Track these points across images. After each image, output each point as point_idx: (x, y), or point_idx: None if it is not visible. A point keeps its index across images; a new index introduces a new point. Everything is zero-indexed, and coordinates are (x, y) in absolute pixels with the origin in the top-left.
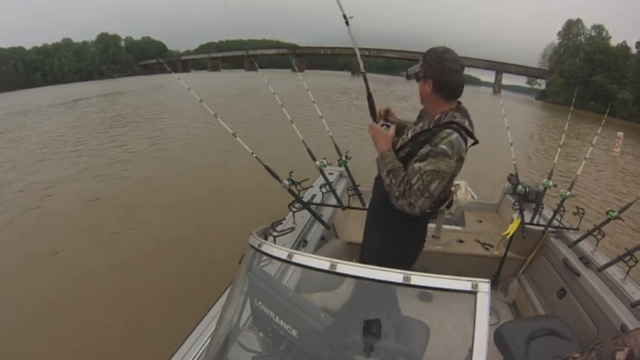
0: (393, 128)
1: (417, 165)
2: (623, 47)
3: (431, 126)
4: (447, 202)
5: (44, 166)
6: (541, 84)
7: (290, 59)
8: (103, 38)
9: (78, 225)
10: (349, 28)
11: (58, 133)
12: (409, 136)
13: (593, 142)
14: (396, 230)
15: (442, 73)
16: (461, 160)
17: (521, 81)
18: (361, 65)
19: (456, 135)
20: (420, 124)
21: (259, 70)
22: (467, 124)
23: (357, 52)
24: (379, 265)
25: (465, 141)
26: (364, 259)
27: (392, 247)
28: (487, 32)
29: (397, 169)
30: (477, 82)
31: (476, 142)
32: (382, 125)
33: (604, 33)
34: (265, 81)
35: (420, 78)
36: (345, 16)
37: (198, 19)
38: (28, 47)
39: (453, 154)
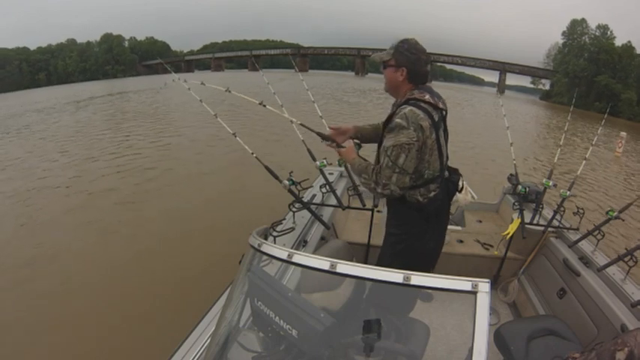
0: (349, 141)
1: (381, 148)
2: (628, 47)
3: (394, 110)
4: (459, 187)
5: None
6: (545, 84)
7: (293, 59)
8: (107, 38)
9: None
10: None
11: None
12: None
13: (593, 142)
14: (408, 222)
15: (416, 62)
16: (420, 129)
17: (525, 81)
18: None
19: (409, 108)
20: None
21: (260, 70)
22: (427, 97)
23: None
24: (392, 259)
25: (428, 112)
26: (380, 257)
27: (406, 239)
28: (489, 32)
29: (365, 166)
30: (480, 82)
31: (445, 112)
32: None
33: (608, 33)
34: (265, 81)
35: (389, 66)
36: None
37: (202, 19)
38: (32, 47)
39: (408, 124)
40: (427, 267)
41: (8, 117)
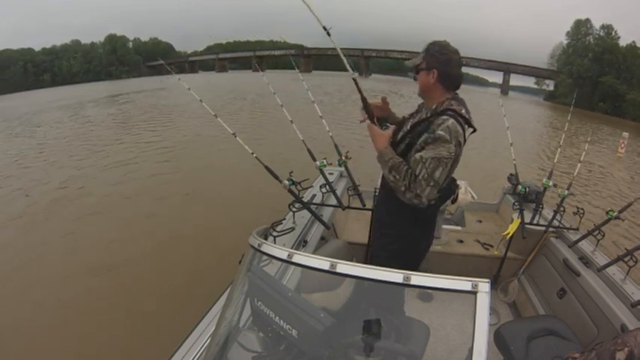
0: (391, 129)
1: (418, 155)
2: (632, 47)
3: (429, 115)
4: (452, 197)
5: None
6: (549, 85)
7: (296, 60)
8: (111, 39)
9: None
10: (331, 38)
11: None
12: (408, 127)
13: (586, 147)
14: (403, 224)
15: (448, 64)
16: (459, 144)
17: (529, 82)
18: (349, 68)
19: (452, 120)
20: (419, 115)
21: (262, 71)
22: (464, 111)
23: (342, 55)
24: (388, 261)
25: (462, 127)
26: (373, 259)
27: (398, 241)
28: (490, 32)
29: (398, 164)
30: (484, 82)
31: (474, 130)
32: (382, 127)
33: (613, 33)
34: (266, 81)
35: (421, 70)
36: (325, 28)
37: (203, 19)
38: (33, 47)
39: (451, 138)
40: (419, 263)
41: (35, 112)
